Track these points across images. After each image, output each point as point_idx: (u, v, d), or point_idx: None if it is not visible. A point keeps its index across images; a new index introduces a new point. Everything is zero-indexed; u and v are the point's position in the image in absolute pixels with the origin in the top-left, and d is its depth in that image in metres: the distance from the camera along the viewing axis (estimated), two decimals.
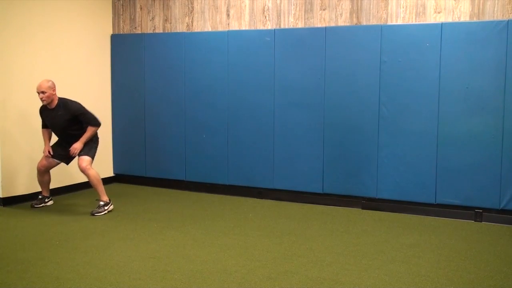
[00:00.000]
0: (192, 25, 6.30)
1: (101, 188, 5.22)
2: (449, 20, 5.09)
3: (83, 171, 5.14)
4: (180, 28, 6.37)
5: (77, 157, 5.19)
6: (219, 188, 6.17)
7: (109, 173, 6.75)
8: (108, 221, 4.95)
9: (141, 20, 6.60)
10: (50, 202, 5.55)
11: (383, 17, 5.35)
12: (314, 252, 4.07)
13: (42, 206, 5.46)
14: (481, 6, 4.97)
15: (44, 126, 5.31)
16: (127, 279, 3.47)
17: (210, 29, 6.19)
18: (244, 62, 5.86)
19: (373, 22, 5.38)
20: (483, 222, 4.97)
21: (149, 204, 5.67)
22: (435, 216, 5.15)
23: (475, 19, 4.99)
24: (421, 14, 5.20)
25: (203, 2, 6.20)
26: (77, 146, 5.12)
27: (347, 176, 5.49)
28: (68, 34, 6.07)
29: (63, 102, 5.12)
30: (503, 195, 4.87)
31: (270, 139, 5.78)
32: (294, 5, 5.72)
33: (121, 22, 6.71)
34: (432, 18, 5.16)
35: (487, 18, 4.94)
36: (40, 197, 5.48)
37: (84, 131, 5.18)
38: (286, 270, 3.66)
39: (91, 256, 3.91)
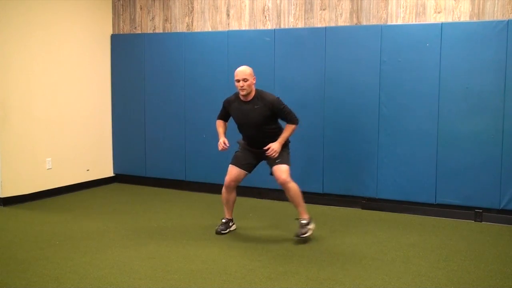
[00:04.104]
0: (192, 25, 6.30)
1: (303, 204, 4.32)
2: (449, 20, 5.08)
3: (283, 183, 4.26)
4: (180, 28, 6.37)
5: (269, 165, 4.37)
6: (219, 188, 6.13)
7: (109, 173, 6.75)
8: (108, 221, 4.95)
9: (141, 20, 6.60)
10: (234, 227, 4.66)
11: (383, 17, 5.35)
12: (314, 252, 4.07)
13: (228, 232, 4.57)
14: (481, 6, 4.97)
15: (221, 117, 4.61)
16: (127, 279, 3.47)
17: (210, 29, 6.19)
18: (244, 62, 5.82)
19: (373, 22, 5.38)
20: (483, 222, 4.96)
21: (149, 204, 5.67)
22: (435, 216, 5.15)
23: (475, 19, 4.99)
24: (421, 14, 5.20)
25: (203, 2, 6.20)
26: (276, 147, 4.22)
27: (347, 176, 5.48)
28: (68, 34, 6.07)
29: (260, 93, 4.33)
30: (503, 195, 4.87)
31: None
32: (294, 5, 5.72)
33: (121, 22, 6.71)
34: (432, 18, 5.16)
35: (487, 18, 4.94)
36: (224, 221, 4.60)
37: (276, 131, 4.36)
38: (286, 270, 3.66)
39: (91, 256, 3.91)
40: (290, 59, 5.62)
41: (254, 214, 5.26)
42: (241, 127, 4.45)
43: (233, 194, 4.58)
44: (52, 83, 5.88)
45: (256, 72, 5.81)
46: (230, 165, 4.51)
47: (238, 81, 4.23)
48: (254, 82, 4.31)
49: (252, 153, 4.45)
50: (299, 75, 5.60)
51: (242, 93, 4.27)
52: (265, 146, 4.30)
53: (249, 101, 4.30)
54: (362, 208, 5.47)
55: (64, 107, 6.05)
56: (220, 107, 6.02)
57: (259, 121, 4.28)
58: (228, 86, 5.95)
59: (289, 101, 5.60)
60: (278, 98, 4.33)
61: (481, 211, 4.98)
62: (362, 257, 3.93)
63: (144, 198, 5.97)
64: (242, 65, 4.34)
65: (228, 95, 5.93)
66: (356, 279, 3.50)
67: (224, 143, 4.42)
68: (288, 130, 4.32)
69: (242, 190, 6.01)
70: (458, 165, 5.00)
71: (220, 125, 4.60)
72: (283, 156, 4.31)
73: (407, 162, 5.20)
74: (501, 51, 4.75)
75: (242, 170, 4.46)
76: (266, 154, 4.25)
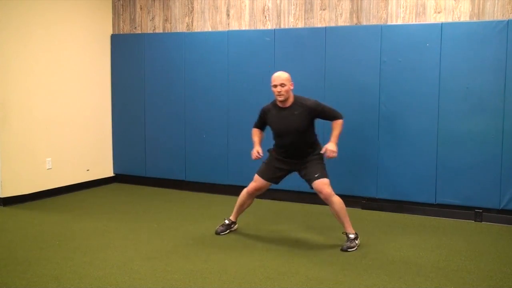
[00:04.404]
0: (192, 25, 6.30)
1: (348, 218, 4.17)
2: (449, 20, 5.08)
3: (326, 198, 4.11)
4: (180, 28, 6.37)
5: (308, 179, 4.19)
6: (219, 188, 6.17)
7: (109, 173, 6.75)
8: (108, 221, 4.95)
9: (141, 20, 6.60)
10: (235, 227, 4.65)
11: (383, 17, 5.35)
12: (314, 252, 4.07)
13: (228, 232, 4.55)
14: (481, 6, 4.97)
15: (257, 126, 4.45)
16: (127, 279, 3.47)
17: (210, 29, 6.19)
18: (244, 62, 5.86)
19: (373, 22, 5.38)
20: (483, 222, 4.96)
21: (149, 204, 5.67)
22: (435, 216, 5.14)
23: (475, 19, 4.99)
24: (421, 14, 5.20)
25: (203, 2, 6.20)
26: (332, 147, 4.10)
27: (347, 176, 5.48)
28: (68, 34, 6.07)
29: (299, 99, 4.17)
30: (503, 195, 4.87)
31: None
32: (294, 5, 5.72)
33: (121, 22, 6.71)
34: (432, 18, 5.16)
35: (487, 18, 4.94)
36: (227, 222, 4.57)
37: (312, 142, 4.26)
38: (286, 270, 3.66)
39: (91, 256, 3.91)
40: (290, 59, 5.61)
41: (254, 214, 5.25)
42: (278, 136, 4.25)
43: (250, 201, 4.52)
44: (52, 83, 5.88)
45: (256, 72, 5.85)
46: (257, 174, 4.39)
47: (275, 86, 4.09)
48: (292, 87, 4.16)
49: (284, 164, 4.28)
50: (299, 75, 5.56)
51: (279, 99, 4.12)
52: (301, 158, 4.21)
53: (288, 107, 4.16)
54: (362, 208, 5.47)
55: (64, 107, 6.05)
56: (220, 107, 6.05)
57: (299, 127, 4.12)
58: (228, 86, 5.96)
59: None
60: (316, 100, 4.19)
61: (481, 211, 4.98)
62: (362, 257, 3.93)
63: (144, 198, 5.97)
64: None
65: (228, 95, 5.98)
66: (356, 279, 3.50)
67: (258, 152, 4.32)
68: (337, 127, 4.19)
69: (242, 190, 6.01)
70: (458, 165, 5.00)
71: (255, 134, 4.45)
72: (320, 169, 4.16)
73: (407, 162, 5.20)
74: (501, 51, 4.75)
75: (268, 182, 4.37)
76: (326, 156, 4.11)
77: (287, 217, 5.16)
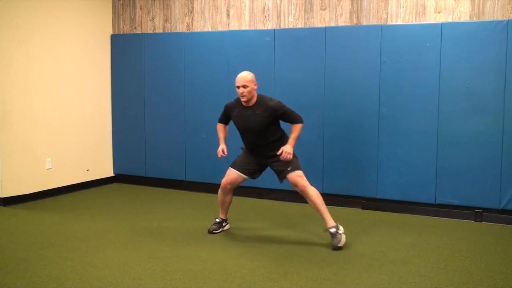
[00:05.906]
0: (192, 25, 6.30)
1: (325, 209, 4.18)
2: (449, 20, 5.09)
3: (302, 189, 4.16)
4: (180, 28, 6.37)
5: (281, 173, 4.26)
6: (218, 188, 6.15)
7: (109, 173, 6.75)
8: (108, 221, 4.95)
9: (141, 20, 6.60)
10: (227, 226, 4.68)
11: (383, 17, 5.35)
12: (314, 252, 4.07)
13: (220, 231, 4.59)
14: (481, 6, 4.97)
15: (222, 121, 4.57)
16: (127, 279, 3.47)
17: (210, 29, 6.19)
18: (244, 62, 5.85)
19: (373, 22, 5.38)
20: (483, 222, 4.96)
21: (149, 204, 5.67)
22: (435, 216, 5.15)
23: (475, 19, 4.99)
24: (421, 14, 5.20)
25: (203, 2, 6.20)
26: (288, 149, 4.12)
27: (347, 176, 5.48)
28: (68, 34, 6.07)
29: (262, 99, 4.26)
30: (503, 195, 4.87)
31: None
32: (294, 5, 5.72)
33: (121, 22, 6.71)
34: (432, 18, 5.16)
35: (487, 18, 4.94)
36: (218, 220, 4.62)
37: (278, 137, 4.30)
38: (286, 270, 3.66)
39: (91, 256, 3.91)
40: (290, 59, 5.62)
41: (254, 214, 5.26)
42: (243, 133, 4.38)
43: (229, 197, 4.56)
44: (52, 83, 5.88)
45: (256, 72, 5.79)
46: (229, 167, 4.49)
47: (238, 87, 4.19)
48: (256, 88, 4.25)
49: (253, 158, 4.39)
50: (299, 75, 5.60)
51: (242, 99, 4.23)
52: (268, 152, 4.27)
53: (251, 106, 4.25)
54: (362, 208, 5.47)
55: (64, 107, 6.05)
56: (220, 107, 6.04)
57: (260, 126, 4.21)
58: (228, 86, 5.95)
59: (289, 101, 5.59)
60: (279, 101, 4.25)
61: (481, 211, 4.98)
62: (362, 257, 3.93)
63: (144, 198, 5.97)
64: (243, 71, 4.29)
65: (228, 95, 5.96)
66: (356, 279, 3.50)
67: (223, 151, 4.44)
68: (295, 130, 4.23)
69: (242, 190, 6.01)
70: (458, 165, 5.00)
71: (220, 129, 4.59)
72: (293, 162, 4.20)
73: (407, 162, 5.20)
74: (501, 51, 4.75)
75: (241, 174, 4.41)
76: (281, 158, 4.13)
77: (287, 217, 5.16)
